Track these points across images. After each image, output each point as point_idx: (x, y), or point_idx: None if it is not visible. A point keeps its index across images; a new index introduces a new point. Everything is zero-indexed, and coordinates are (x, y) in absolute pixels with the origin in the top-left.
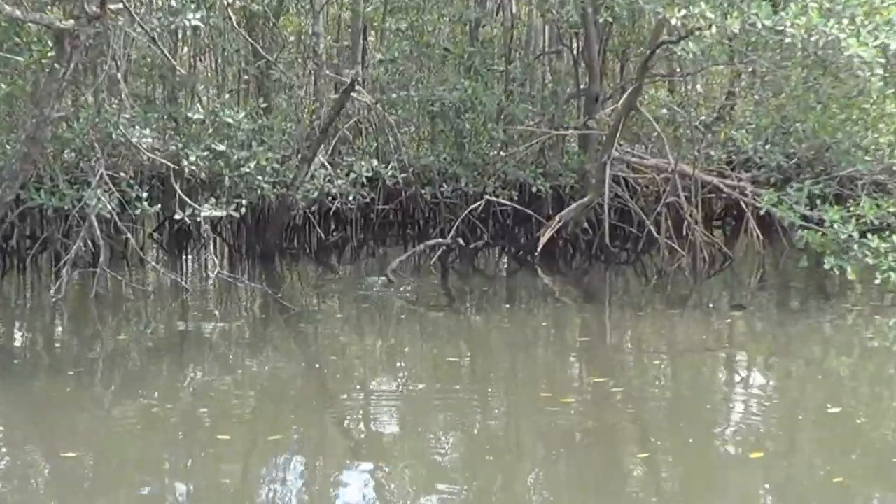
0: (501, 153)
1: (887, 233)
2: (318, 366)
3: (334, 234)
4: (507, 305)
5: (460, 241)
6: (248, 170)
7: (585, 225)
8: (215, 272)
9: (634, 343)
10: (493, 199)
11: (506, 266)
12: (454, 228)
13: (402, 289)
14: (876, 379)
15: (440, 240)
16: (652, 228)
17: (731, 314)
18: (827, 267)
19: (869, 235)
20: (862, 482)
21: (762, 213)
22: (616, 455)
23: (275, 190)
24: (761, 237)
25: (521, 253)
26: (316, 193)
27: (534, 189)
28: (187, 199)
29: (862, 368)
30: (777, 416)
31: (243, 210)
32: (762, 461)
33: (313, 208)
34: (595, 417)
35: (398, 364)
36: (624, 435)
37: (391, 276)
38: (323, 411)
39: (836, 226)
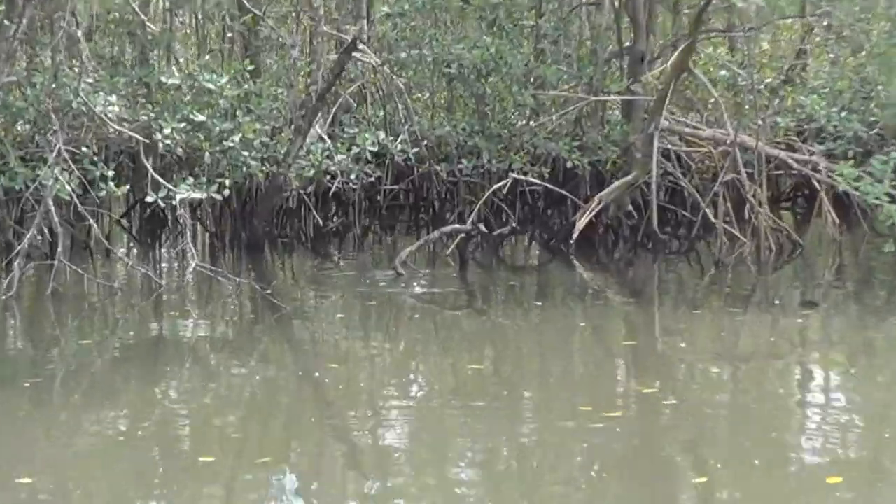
0: (530, 123)
1: None
2: (316, 375)
3: (334, 219)
4: (539, 303)
5: (482, 227)
6: (231, 144)
7: (630, 208)
8: (193, 265)
9: (689, 347)
10: (521, 177)
11: (536, 256)
12: (475, 212)
13: (413, 284)
14: None
15: (458, 225)
16: (708, 211)
17: (801, 313)
18: None
19: None
20: None
21: (839, 192)
22: (669, 480)
23: (263, 168)
24: (837, 221)
25: (553, 241)
26: (312, 172)
27: (569, 165)
28: (160, 179)
29: None
30: (858, 434)
31: (227, 192)
32: (841, 487)
33: (309, 189)
34: (644, 435)
35: (410, 373)
36: (678, 456)
37: (400, 268)
38: (321, 429)
39: None
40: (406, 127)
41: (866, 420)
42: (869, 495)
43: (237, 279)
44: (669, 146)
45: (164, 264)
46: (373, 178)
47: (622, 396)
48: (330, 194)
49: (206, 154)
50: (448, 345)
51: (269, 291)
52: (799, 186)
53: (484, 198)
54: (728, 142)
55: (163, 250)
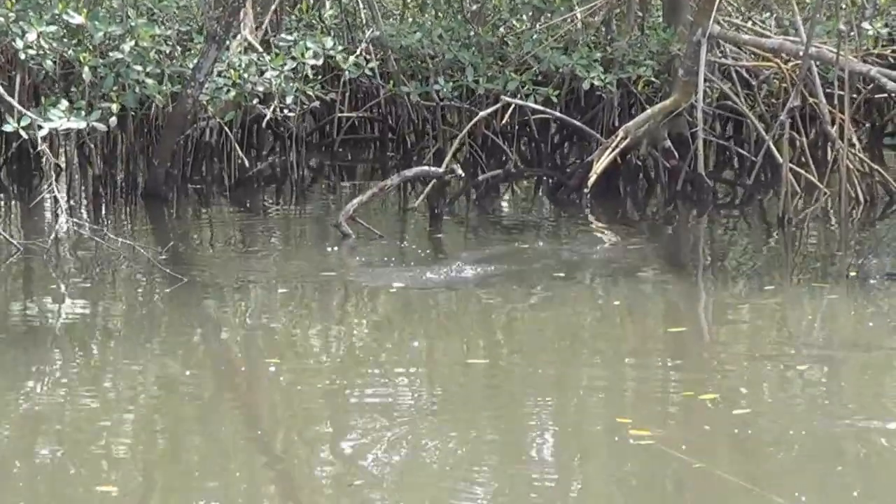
0: (536, 27)
1: None
2: (245, 374)
3: (268, 158)
4: (561, 274)
5: (458, 169)
6: (121, 55)
7: (668, 144)
8: (62, 220)
9: (754, 337)
10: (515, 101)
11: (547, 210)
12: (452, 150)
13: (369, 247)
14: None
15: (426, 168)
16: (773, 148)
17: (883, 289)
18: None
19: None
20: None
21: None
22: None
23: (165, 88)
24: None
25: (563, 189)
26: (232, 94)
27: (585, 86)
28: (16, 104)
29: None
30: None
31: (114, 121)
32: None
33: (228, 117)
34: (704, 457)
35: (379, 371)
36: (752, 486)
37: (345, 226)
38: (252, 457)
39: None
40: (368, 34)
41: None
42: None
43: (119, 239)
44: (728, 61)
45: (37, 219)
46: (317, 103)
47: (672, 405)
48: (263, 126)
49: (86, 69)
50: (428, 333)
51: (162, 256)
52: None
53: (465, 129)
54: (799, 53)
55: (34, 201)
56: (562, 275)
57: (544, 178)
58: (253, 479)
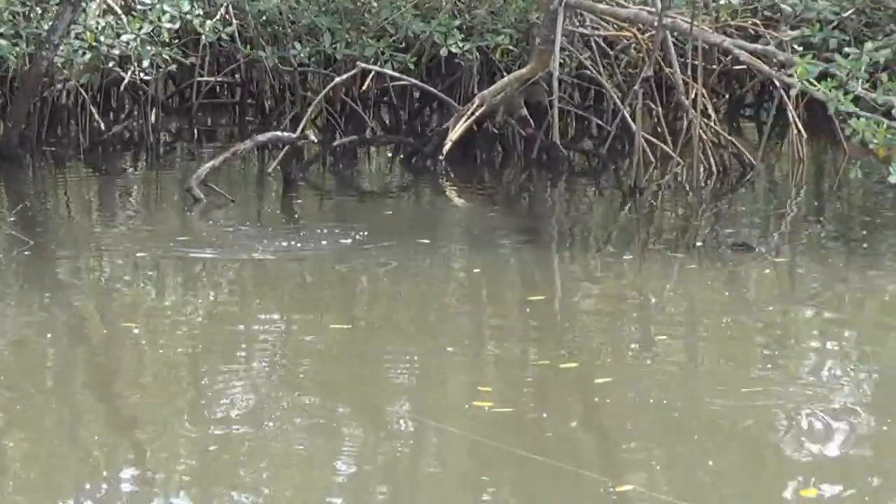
0: None
1: None
2: (103, 338)
3: (125, 121)
4: (419, 241)
5: (311, 135)
6: None
7: (525, 113)
8: None
9: (612, 306)
10: (370, 67)
11: (403, 177)
12: (309, 116)
13: (219, 213)
14: None
15: (278, 133)
16: (628, 117)
17: (733, 259)
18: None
19: None
20: None
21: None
22: (585, 491)
23: (19, 49)
24: (804, 135)
25: (418, 156)
26: (88, 56)
27: (442, 52)
28: None
29: None
30: (833, 433)
31: None
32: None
33: (85, 80)
34: (562, 425)
35: (239, 337)
36: (605, 448)
37: (196, 190)
38: (109, 421)
39: None
40: None
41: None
42: None
43: None
44: (587, 30)
45: None
46: (173, 66)
47: (532, 373)
48: (121, 88)
49: None
50: (285, 298)
51: (11, 219)
52: (768, 89)
53: (321, 95)
54: (654, 24)
55: None
56: (419, 241)
57: (401, 144)
58: (109, 444)
